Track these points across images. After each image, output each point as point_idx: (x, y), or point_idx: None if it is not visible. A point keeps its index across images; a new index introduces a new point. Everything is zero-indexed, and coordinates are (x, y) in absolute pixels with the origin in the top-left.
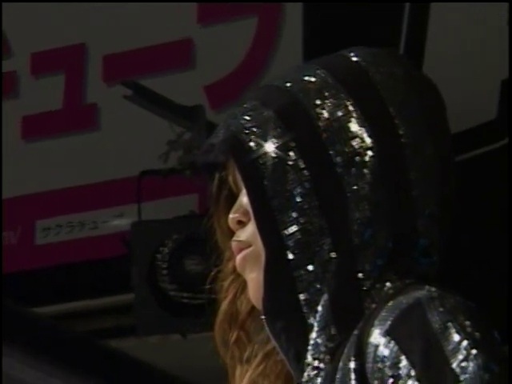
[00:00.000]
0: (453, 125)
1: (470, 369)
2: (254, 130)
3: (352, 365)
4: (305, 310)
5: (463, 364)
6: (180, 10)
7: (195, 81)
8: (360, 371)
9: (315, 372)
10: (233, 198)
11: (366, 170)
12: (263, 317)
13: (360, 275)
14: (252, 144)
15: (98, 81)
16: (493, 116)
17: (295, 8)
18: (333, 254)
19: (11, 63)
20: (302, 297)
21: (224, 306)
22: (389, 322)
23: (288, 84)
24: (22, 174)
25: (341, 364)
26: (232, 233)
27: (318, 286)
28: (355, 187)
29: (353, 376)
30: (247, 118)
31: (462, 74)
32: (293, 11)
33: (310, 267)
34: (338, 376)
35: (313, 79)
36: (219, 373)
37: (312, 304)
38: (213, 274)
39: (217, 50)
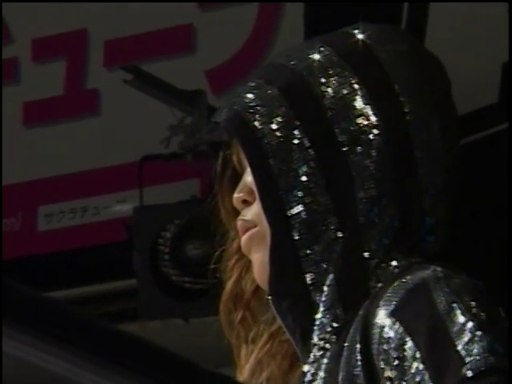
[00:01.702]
0: None
1: (476, 351)
2: (259, 108)
3: (358, 346)
4: (311, 290)
5: (468, 346)
6: None
7: (196, 65)
8: (366, 352)
9: (321, 352)
10: (237, 177)
11: (371, 149)
12: (269, 297)
13: (366, 254)
14: (257, 123)
15: (99, 66)
16: (495, 99)
17: None
18: (339, 234)
19: (12, 49)
20: (308, 277)
21: (229, 285)
22: (394, 303)
23: (292, 62)
24: (23, 160)
25: (347, 344)
26: (236, 212)
27: (324, 265)
28: (361, 166)
29: (359, 357)
30: (251, 96)
31: (463, 58)
32: None
33: (316, 247)
34: (343, 356)
35: (317, 57)
36: (221, 357)
37: (318, 284)
38: (217, 253)
39: (217, 34)
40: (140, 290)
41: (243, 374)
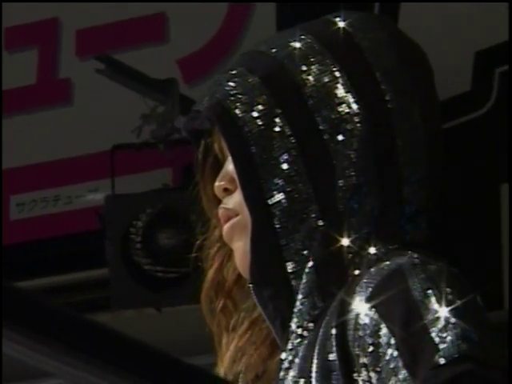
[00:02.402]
0: None
1: (449, 338)
2: (240, 96)
3: (333, 331)
4: (292, 279)
5: (442, 333)
6: None
7: (168, 54)
8: (341, 338)
9: (299, 340)
10: (219, 165)
11: (352, 137)
12: (250, 285)
13: (345, 242)
14: (237, 111)
15: (71, 55)
16: (467, 88)
17: None
18: (319, 222)
19: None
20: (289, 265)
21: (210, 274)
22: (370, 289)
23: (273, 50)
24: None
25: (322, 330)
26: (218, 201)
27: (305, 254)
28: (342, 154)
29: (334, 342)
30: (232, 84)
31: (436, 47)
32: None
33: (297, 235)
34: (319, 342)
35: (298, 45)
36: (193, 346)
37: (299, 272)
38: (198, 242)
39: (190, 23)
40: (112, 279)
41: (224, 362)
